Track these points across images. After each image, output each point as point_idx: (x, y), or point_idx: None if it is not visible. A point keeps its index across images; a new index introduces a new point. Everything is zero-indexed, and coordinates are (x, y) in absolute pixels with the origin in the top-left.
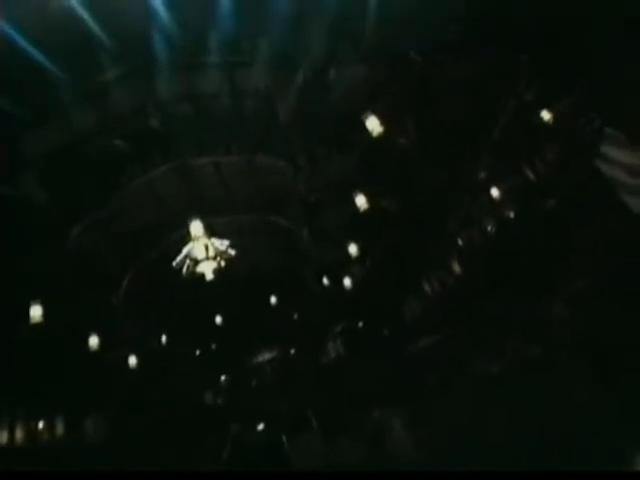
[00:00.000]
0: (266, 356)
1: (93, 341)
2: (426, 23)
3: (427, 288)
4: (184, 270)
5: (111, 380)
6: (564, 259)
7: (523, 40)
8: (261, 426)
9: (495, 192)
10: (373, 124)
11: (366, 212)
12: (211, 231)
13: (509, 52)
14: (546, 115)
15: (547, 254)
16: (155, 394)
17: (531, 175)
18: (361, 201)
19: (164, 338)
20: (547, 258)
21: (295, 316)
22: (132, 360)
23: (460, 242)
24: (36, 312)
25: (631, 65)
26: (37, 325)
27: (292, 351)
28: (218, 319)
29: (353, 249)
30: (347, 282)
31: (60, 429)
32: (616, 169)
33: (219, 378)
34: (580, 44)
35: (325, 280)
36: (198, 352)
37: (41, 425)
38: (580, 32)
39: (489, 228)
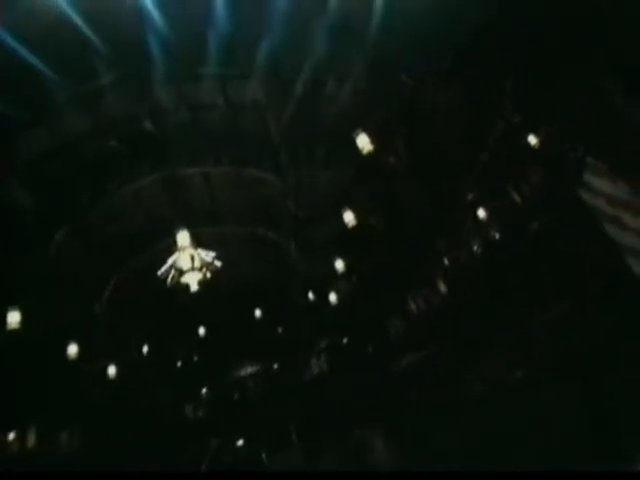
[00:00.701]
0: (249, 370)
1: (72, 349)
2: (418, 48)
3: (412, 306)
4: (169, 280)
5: (89, 390)
6: (547, 282)
7: (510, 67)
8: (241, 441)
9: (482, 213)
10: (363, 142)
11: (354, 228)
12: (198, 242)
13: (496, 78)
14: (532, 139)
15: (531, 277)
16: (134, 406)
17: (517, 197)
18: (349, 217)
19: (145, 348)
20: (531, 281)
21: (279, 330)
22: (111, 370)
23: (446, 261)
24: (14, 318)
25: (613, 97)
26: (14, 332)
27: (275, 366)
28: (201, 331)
29: (340, 265)
30: (333, 298)
31: (32, 439)
32: (597, 198)
33: (200, 391)
34: (562, 75)
35: (311, 295)
36: (180, 364)
37: (11, 435)
38: (563, 63)
39: (475, 248)
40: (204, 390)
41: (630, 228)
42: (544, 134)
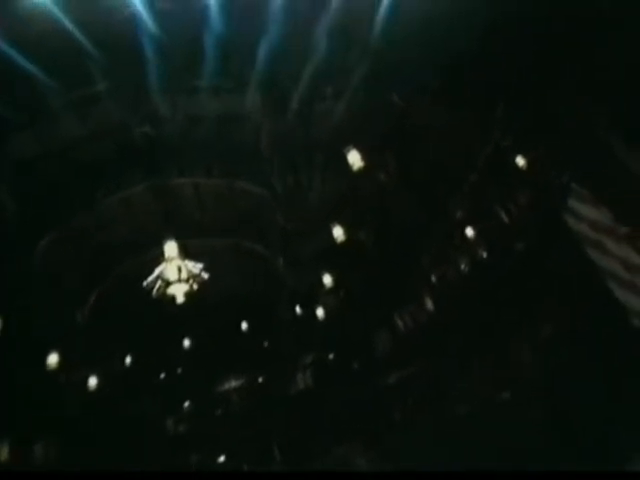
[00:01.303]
0: (233, 384)
1: (52, 359)
2: (409, 69)
3: (399, 323)
4: (155, 291)
5: (68, 400)
6: (533, 303)
7: (500, 92)
8: (222, 457)
9: (470, 231)
10: (354, 158)
11: (342, 244)
12: (185, 253)
13: (487, 102)
14: (521, 161)
15: (517, 297)
16: (114, 418)
17: (504, 217)
18: (338, 232)
19: (128, 359)
20: (517, 301)
21: (265, 344)
22: (92, 381)
23: (434, 279)
24: None
25: (598, 128)
26: None
27: (260, 380)
28: (186, 343)
29: (327, 279)
30: (320, 312)
31: (5, 452)
32: (581, 223)
33: (183, 404)
34: (549, 102)
35: (298, 309)
36: (163, 376)
37: None
38: (550, 91)
39: (462, 266)
40: (187, 404)
41: (612, 254)
42: (532, 158)
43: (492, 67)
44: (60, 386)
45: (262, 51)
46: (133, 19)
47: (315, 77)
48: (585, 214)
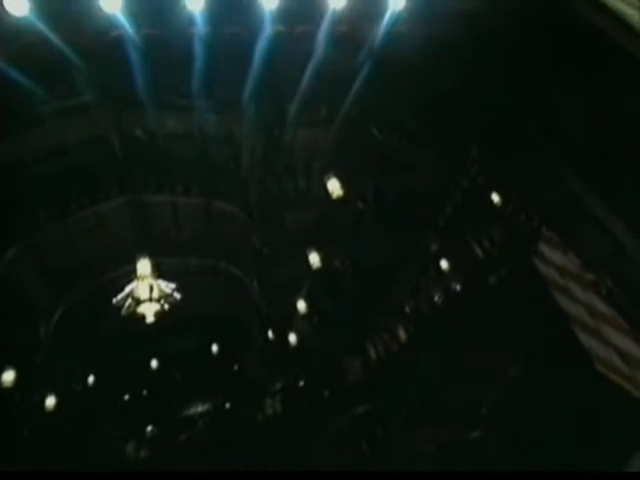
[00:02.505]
0: (199, 408)
1: (8, 375)
2: (389, 108)
3: (372, 352)
4: (124, 309)
5: (23, 421)
6: (502, 344)
7: (475, 134)
8: None
9: (444, 264)
10: (334, 186)
11: (318, 270)
12: (159, 272)
13: (463, 142)
14: (494, 200)
15: (487, 336)
16: (71, 441)
17: (478, 251)
18: (314, 259)
19: (91, 379)
20: (487, 340)
21: (235, 368)
22: (50, 400)
23: (407, 309)
24: None
25: (568, 179)
26: None
27: (228, 405)
28: (153, 364)
29: (302, 305)
30: (292, 338)
31: None
32: (550, 268)
33: (145, 428)
34: (520, 150)
35: (270, 334)
36: (127, 397)
37: None
38: (522, 139)
39: (436, 298)
40: (149, 427)
41: (579, 301)
42: (504, 199)
43: (468, 110)
44: (15, 406)
45: (247, 76)
46: (120, 40)
47: (298, 104)
48: (553, 259)
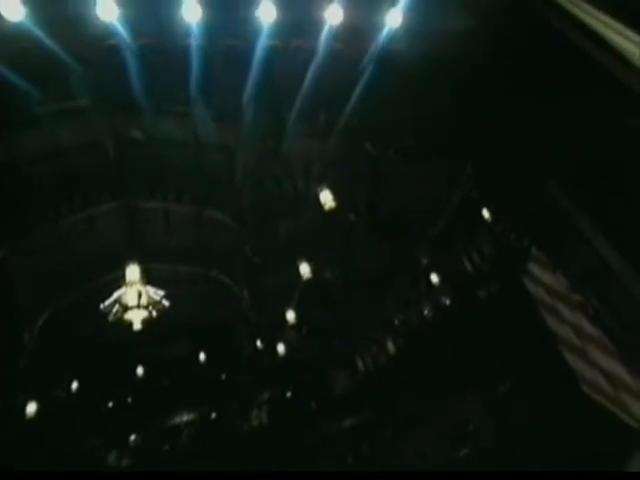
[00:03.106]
0: (184, 418)
1: None
2: (383, 123)
3: (360, 364)
4: (111, 315)
5: (3, 426)
6: (490, 360)
7: (469, 152)
8: None
9: (435, 277)
10: (326, 198)
11: (309, 281)
12: (148, 278)
13: (456, 159)
14: (487, 215)
15: (475, 351)
16: (52, 448)
17: (468, 266)
18: (305, 269)
19: (74, 385)
20: (475, 356)
21: (222, 377)
22: (31, 406)
23: (397, 322)
24: None
25: (559, 200)
26: None
27: (213, 415)
28: (139, 371)
29: (291, 316)
30: (281, 348)
31: None
32: (538, 287)
33: (128, 437)
34: (512, 172)
35: (259, 343)
36: (110, 405)
37: None
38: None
39: (426, 312)
40: (133, 437)
41: (566, 321)
42: (496, 216)
43: (462, 127)
44: None
45: (243, 87)
46: (116, 48)
47: (293, 116)
48: (542, 279)
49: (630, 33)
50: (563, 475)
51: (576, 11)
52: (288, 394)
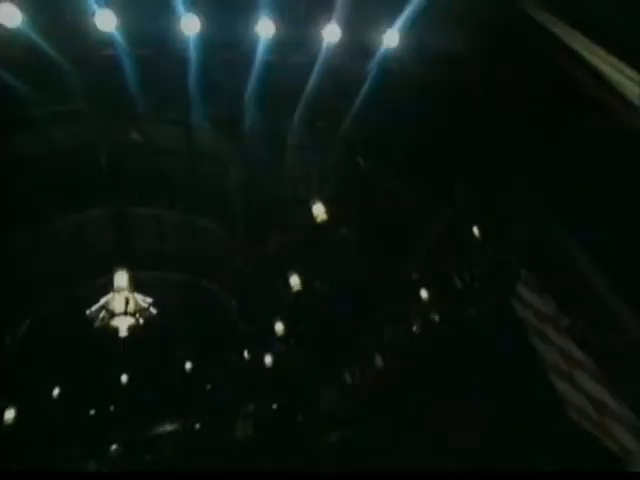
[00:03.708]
0: (168, 428)
1: None
2: (376, 140)
3: (348, 378)
4: (97, 321)
5: None
6: (476, 380)
7: (459, 170)
8: None
9: (424, 294)
10: (319, 210)
11: (298, 293)
12: (136, 285)
13: (448, 178)
14: (477, 234)
15: (462, 370)
16: (30, 458)
17: (458, 283)
18: (295, 281)
19: (56, 391)
20: (462, 374)
21: (208, 387)
22: (9, 414)
23: (386, 337)
24: None
25: (548, 224)
26: None
27: (197, 426)
28: (124, 379)
29: (279, 327)
30: (268, 359)
31: None
32: (527, 310)
33: (109, 446)
34: (499, 191)
35: (246, 354)
36: (92, 413)
37: None
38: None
39: (415, 328)
40: (114, 446)
41: (554, 344)
42: (486, 236)
43: (455, 146)
44: None
45: (239, 98)
46: (112, 57)
47: (288, 129)
48: (530, 301)
49: (629, 70)
50: (563, 475)
51: (575, 45)
52: (274, 406)
